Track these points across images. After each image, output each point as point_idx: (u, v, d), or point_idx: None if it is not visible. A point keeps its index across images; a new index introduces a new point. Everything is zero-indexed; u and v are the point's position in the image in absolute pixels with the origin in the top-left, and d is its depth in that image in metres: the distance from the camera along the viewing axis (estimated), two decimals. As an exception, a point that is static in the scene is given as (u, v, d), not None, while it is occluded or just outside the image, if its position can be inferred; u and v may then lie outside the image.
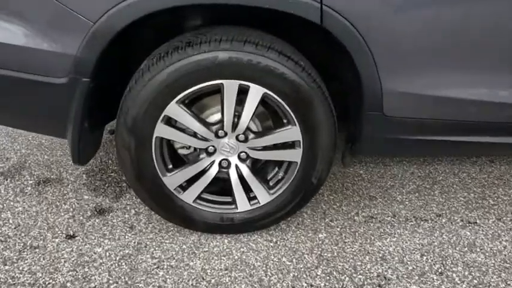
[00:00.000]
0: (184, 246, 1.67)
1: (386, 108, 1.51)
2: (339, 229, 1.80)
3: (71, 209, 1.85)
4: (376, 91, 1.47)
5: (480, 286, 1.54)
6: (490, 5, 1.39)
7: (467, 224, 1.86)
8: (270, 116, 1.69)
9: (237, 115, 1.53)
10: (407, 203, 1.98)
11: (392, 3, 1.38)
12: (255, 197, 1.66)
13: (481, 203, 2.00)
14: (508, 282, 1.56)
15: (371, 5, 1.36)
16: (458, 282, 1.56)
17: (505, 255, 1.68)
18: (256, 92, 1.47)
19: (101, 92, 1.54)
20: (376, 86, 1.46)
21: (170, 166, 1.62)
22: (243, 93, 1.48)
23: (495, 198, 2.02)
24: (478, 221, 1.88)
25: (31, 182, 2.02)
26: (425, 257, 1.67)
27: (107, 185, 2.01)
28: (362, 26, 1.36)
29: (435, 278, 1.57)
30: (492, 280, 1.57)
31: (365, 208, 1.93)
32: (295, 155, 1.59)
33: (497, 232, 1.81)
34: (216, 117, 1.60)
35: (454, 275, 1.59)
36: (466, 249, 1.72)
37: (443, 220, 1.88)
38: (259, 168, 1.72)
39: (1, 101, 1.51)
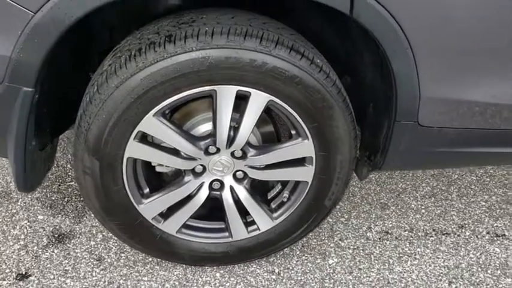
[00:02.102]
0: (167, 285, 1.35)
1: (422, 117, 1.19)
2: (351, 251, 1.51)
3: (23, 236, 1.49)
4: (412, 97, 1.15)
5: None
6: None
7: (495, 238, 1.61)
8: (271, 123, 1.35)
9: (233, 127, 1.18)
10: (423, 211, 1.71)
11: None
12: (253, 222, 1.34)
13: (506, 208, 1.75)
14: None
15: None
16: (498, 320, 1.31)
17: (545, 279, 1.45)
18: (259, 100, 1.12)
19: (51, 101, 1.15)
20: (413, 91, 1.14)
21: (146, 190, 1.27)
22: (240, 98, 1.13)
23: (520, 201, 1.78)
24: (506, 233, 1.63)
25: (-31, 197, 1.63)
26: (454, 285, 1.41)
27: (66, 199, 1.65)
28: (405, 17, 1.02)
29: (471, 315, 1.33)
30: (536, 315, 1.33)
31: (377, 221, 1.65)
32: (305, 174, 1.26)
33: (531, 247, 1.57)
34: (205, 128, 1.25)
35: (492, 310, 1.34)
36: (499, 272, 1.47)
37: (467, 233, 1.62)
38: (258, 184, 1.39)
39: None
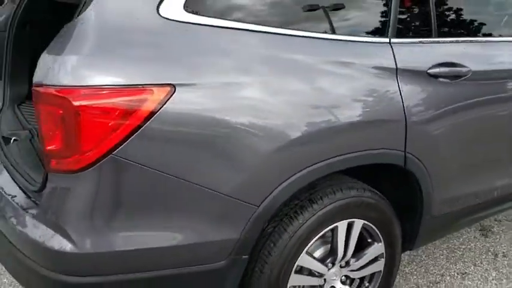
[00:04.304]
0: None
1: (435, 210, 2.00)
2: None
3: None
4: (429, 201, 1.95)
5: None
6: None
7: (466, 275, 2.45)
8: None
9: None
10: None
11: (442, 149, 1.89)
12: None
13: (458, 255, 2.63)
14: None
15: (431, 151, 1.85)
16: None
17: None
18: (358, 225, 1.80)
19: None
20: (430, 197, 1.94)
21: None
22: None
23: None
24: (469, 271, 2.49)
25: None
26: None
27: None
28: (427, 163, 1.84)
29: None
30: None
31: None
32: (379, 266, 1.94)
33: None
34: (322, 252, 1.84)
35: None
36: None
37: (450, 278, 2.43)
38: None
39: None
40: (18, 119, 2.25)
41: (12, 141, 1.97)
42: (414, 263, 2.57)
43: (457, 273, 2.48)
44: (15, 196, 1.58)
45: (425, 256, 2.63)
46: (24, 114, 2.30)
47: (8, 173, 1.74)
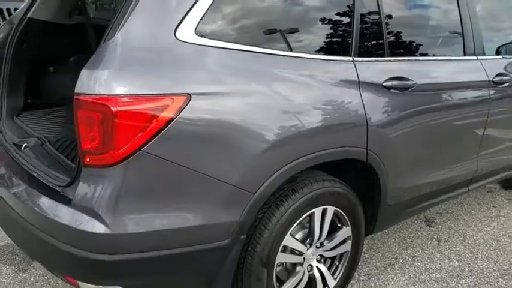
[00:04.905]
0: None
1: (390, 199, 2.41)
2: None
3: None
4: (385, 191, 2.36)
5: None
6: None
7: (415, 258, 2.88)
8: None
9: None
10: (375, 257, 2.89)
11: (395, 147, 2.31)
12: (326, 283, 2.28)
13: (408, 242, 3.07)
14: None
15: (386, 149, 2.26)
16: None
17: None
18: (330, 211, 2.16)
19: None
20: (385, 189, 2.35)
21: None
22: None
23: (411, 237, 3.13)
24: (418, 254, 2.92)
25: None
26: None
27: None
28: (384, 159, 2.24)
29: None
30: None
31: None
32: (347, 247, 2.32)
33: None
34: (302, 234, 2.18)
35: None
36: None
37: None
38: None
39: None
40: (22, 128, 2.46)
41: (23, 147, 2.19)
42: (372, 249, 2.97)
43: (408, 257, 2.91)
44: (43, 192, 1.82)
45: (381, 244, 3.05)
46: (27, 124, 2.51)
47: (30, 173, 1.97)
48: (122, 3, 1.68)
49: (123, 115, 1.55)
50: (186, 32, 1.69)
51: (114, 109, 1.54)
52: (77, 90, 1.59)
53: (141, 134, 1.58)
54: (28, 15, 2.58)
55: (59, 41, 2.79)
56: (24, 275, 2.60)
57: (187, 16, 1.70)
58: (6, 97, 2.61)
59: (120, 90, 1.56)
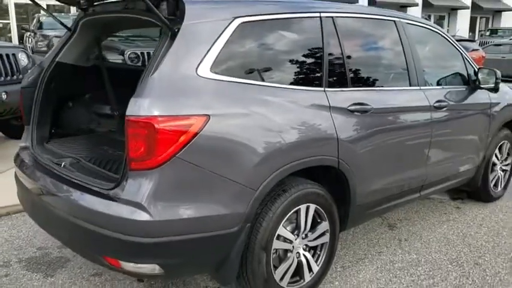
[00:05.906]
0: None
1: (358, 200, 3.01)
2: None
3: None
4: (354, 193, 2.96)
5: None
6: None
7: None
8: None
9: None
10: (348, 254, 3.46)
11: (360, 157, 2.93)
12: (311, 269, 2.83)
13: (374, 242, 3.67)
14: None
15: (354, 158, 2.88)
16: (407, 276, 3.12)
17: None
18: (312, 208, 2.74)
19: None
20: (354, 191, 2.96)
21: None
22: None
23: (377, 238, 3.74)
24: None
25: None
26: (383, 273, 3.17)
27: None
28: (352, 166, 2.86)
29: (398, 278, 3.09)
30: None
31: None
32: (327, 238, 2.89)
33: (395, 251, 3.48)
34: (291, 227, 2.74)
35: (402, 274, 3.15)
36: (393, 263, 3.31)
37: (370, 255, 3.44)
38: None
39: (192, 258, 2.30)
40: (54, 152, 2.97)
41: (62, 165, 2.69)
42: (345, 248, 3.55)
43: (375, 252, 3.50)
44: (93, 194, 2.33)
45: (352, 244, 3.63)
46: (58, 148, 3.02)
47: (75, 182, 2.48)
48: (156, 47, 2.28)
49: (163, 130, 2.11)
50: (204, 70, 2.29)
51: (157, 126, 2.10)
52: (127, 113, 2.14)
53: (175, 144, 2.14)
54: (57, 59, 3.12)
55: (79, 81, 3.34)
56: (52, 279, 3.02)
57: (204, 59, 2.31)
58: (36, 128, 3.11)
59: (158, 112, 2.13)
